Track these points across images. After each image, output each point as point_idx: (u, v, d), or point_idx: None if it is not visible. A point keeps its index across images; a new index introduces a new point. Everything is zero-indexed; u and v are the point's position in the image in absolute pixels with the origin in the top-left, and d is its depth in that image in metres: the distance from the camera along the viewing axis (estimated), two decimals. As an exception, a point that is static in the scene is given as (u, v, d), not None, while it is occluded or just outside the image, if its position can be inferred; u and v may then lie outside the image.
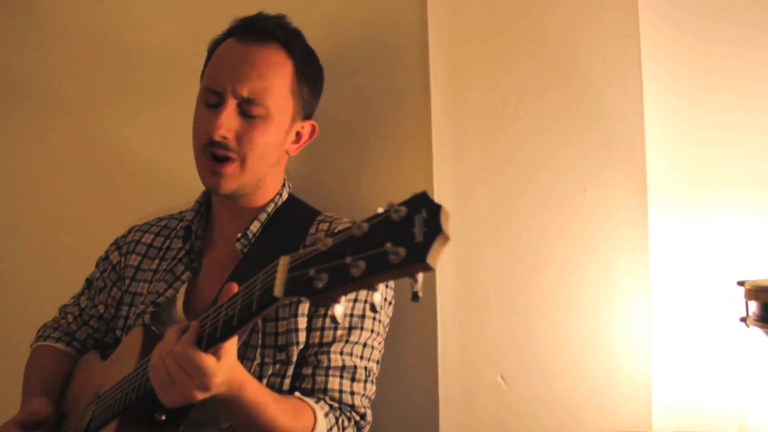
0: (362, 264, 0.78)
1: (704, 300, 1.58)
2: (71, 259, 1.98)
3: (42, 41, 2.05)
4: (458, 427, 1.64)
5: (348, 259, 0.78)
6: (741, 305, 1.31)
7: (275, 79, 1.40)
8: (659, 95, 1.61)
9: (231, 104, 1.37)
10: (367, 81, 1.75)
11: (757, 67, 1.61)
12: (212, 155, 1.39)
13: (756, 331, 1.26)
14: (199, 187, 1.66)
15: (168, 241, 1.58)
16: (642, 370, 1.56)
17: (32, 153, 2.06)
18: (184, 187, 1.84)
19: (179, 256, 1.52)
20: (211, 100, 1.40)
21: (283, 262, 0.89)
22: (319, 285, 0.81)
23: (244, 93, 1.38)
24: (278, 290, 0.88)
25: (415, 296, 0.76)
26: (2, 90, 2.08)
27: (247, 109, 1.38)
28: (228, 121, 1.37)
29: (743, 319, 1.29)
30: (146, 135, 1.96)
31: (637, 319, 1.56)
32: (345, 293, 0.82)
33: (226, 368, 1.06)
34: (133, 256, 1.59)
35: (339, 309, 0.83)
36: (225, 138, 1.37)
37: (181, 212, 1.65)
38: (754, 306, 1.27)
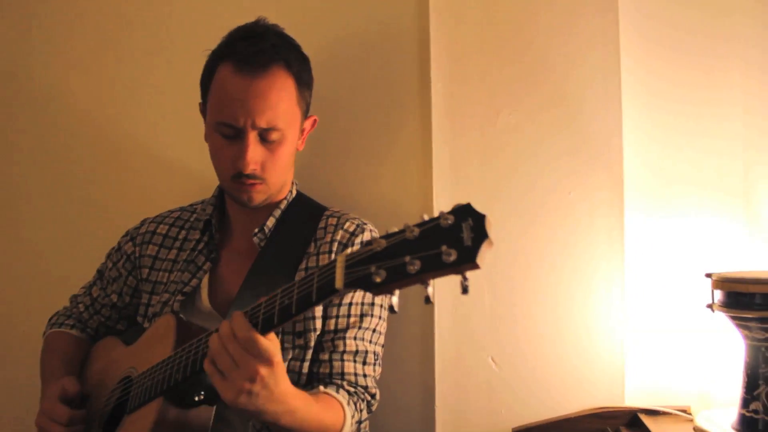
0: (418, 263, 0.89)
1: (673, 289, 1.68)
2: (73, 254, 2.01)
3: (46, 34, 2.05)
4: (453, 403, 1.73)
5: (406, 258, 0.90)
6: (706, 294, 1.42)
7: (283, 102, 1.44)
8: (637, 108, 1.71)
9: (252, 137, 1.42)
10: (373, 93, 1.82)
11: (722, 78, 1.71)
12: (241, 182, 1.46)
13: (720, 315, 1.39)
14: (202, 180, 1.74)
15: (184, 233, 1.63)
16: (616, 353, 1.67)
17: (36, 147, 2.06)
18: (188, 179, 1.91)
19: (199, 247, 1.58)
20: (228, 133, 1.44)
21: (341, 260, 0.99)
22: (378, 279, 0.92)
23: (263, 125, 1.42)
24: (339, 283, 0.98)
25: (465, 290, 0.88)
26: (7, 84, 2.08)
27: (266, 136, 1.43)
28: (255, 155, 1.43)
29: (709, 306, 1.41)
30: (151, 128, 1.98)
31: (613, 307, 1.67)
32: (401, 287, 0.93)
33: (279, 349, 1.14)
34: (150, 246, 1.64)
35: (395, 299, 0.94)
36: (254, 170, 1.44)
37: (191, 204, 1.70)
38: (719, 294, 1.39)
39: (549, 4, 1.71)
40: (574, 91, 1.70)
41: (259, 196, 1.48)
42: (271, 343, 1.12)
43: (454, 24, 1.74)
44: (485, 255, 0.87)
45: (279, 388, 1.17)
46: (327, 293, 1.02)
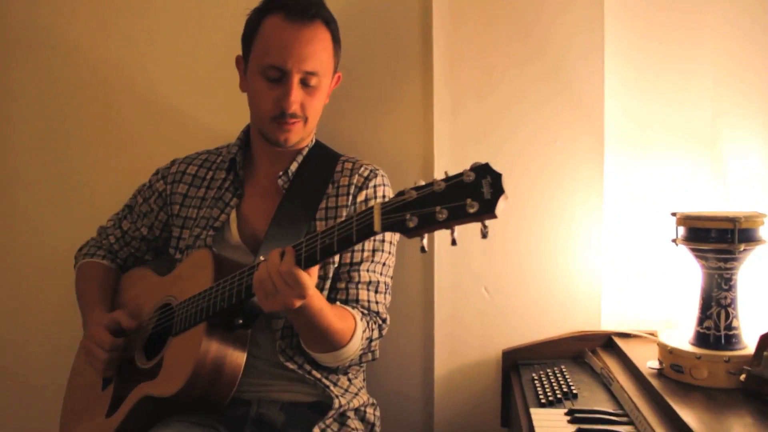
0: (445, 212, 1.07)
1: (644, 226, 1.85)
2: (82, 198, 2.09)
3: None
4: (450, 328, 1.89)
5: (436, 208, 1.07)
6: (671, 230, 1.58)
7: (324, 53, 1.59)
8: (617, 60, 1.83)
9: (296, 80, 1.56)
10: (382, 55, 1.92)
11: (696, 35, 1.82)
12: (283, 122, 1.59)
13: (682, 248, 1.56)
14: (215, 129, 1.88)
15: (211, 173, 1.76)
16: (594, 284, 1.84)
17: (42, 94, 2.08)
18: (200, 128, 1.99)
19: (225, 185, 1.71)
20: (273, 75, 1.57)
21: (377, 208, 1.16)
22: (411, 225, 1.10)
23: (307, 68, 1.56)
24: (377, 227, 1.15)
25: (484, 235, 1.06)
26: (8, 31, 2.07)
27: (307, 81, 1.58)
28: (297, 96, 1.57)
29: (674, 240, 1.57)
30: (164, 77, 2.02)
31: (592, 243, 1.84)
32: (430, 232, 1.10)
33: (314, 283, 1.33)
34: (181, 185, 1.76)
35: (425, 241, 1.12)
36: (295, 110, 1.58)
37: (217, 148, 1.82)
38: (682, 230, 1.56)
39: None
40: (560, 43, 1.82)
41: (294, 136, 1.63)
42: (308, 276, 1.31)
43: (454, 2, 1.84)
44: (501, 207, 1.04)
45: (305, 305, 1.38)
46: (366, 235, 1.19)
